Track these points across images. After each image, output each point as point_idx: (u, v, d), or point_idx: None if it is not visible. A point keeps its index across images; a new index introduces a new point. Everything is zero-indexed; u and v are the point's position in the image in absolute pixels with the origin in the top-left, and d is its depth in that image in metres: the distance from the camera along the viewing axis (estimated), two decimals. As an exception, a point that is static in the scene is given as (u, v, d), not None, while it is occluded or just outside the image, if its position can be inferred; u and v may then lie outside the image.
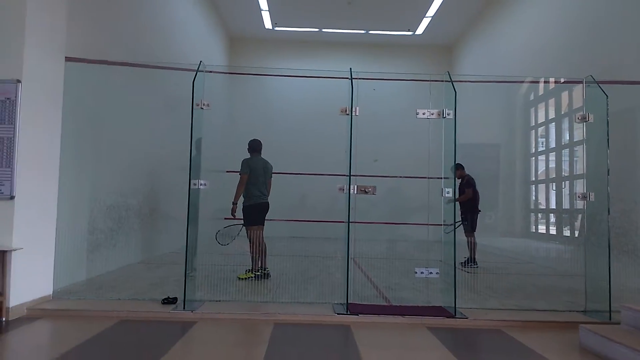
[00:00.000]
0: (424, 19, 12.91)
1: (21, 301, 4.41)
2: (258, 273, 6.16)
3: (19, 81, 4.39)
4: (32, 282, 4.61)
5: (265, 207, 6.40)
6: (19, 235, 4.36)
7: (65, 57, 5.09)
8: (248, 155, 6.44)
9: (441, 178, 5.38)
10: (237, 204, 6.22)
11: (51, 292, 4.88)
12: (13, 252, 4.27)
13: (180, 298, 4.64)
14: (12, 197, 4.32)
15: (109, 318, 4.33)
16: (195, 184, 4.72)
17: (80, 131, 5.57)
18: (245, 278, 6.11)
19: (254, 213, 6.25)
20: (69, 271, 5.30)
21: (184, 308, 4.52)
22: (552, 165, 9.50)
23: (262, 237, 6.32)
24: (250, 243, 6.24)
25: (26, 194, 4.46)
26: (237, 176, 6.27)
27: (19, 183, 4.37)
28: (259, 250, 6.19)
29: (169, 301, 4.73)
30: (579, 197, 5.08)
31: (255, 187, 6.26)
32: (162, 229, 8.14)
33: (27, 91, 4.47)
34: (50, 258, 4.89)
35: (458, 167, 7.79)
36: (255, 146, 6.49)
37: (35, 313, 4.43)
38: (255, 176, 6.27)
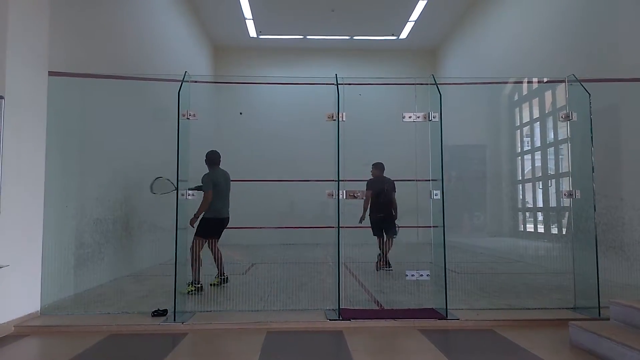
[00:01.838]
0: (408, 23, 13.02)
1: (8, 319, 4.35)
2: (198, 285, 5.88)
3: (1, 97, 4.34)
4: (19, 299, 4.55)
5: (226, 222, 6.30)
6: (5, 252, 4.30)
7: (49, 72, 5.05)
8: (215, 167, 6.24)
9: (429, 180, 5.41)
10: (198, 217, 6.04)
11: (39, 309, 4.82)
12: (-1, 270, 4.21)
13: (170, 310, 4.60)
14: (-4, 214, 4.27)
15: (99, 333, 4.29)
16: (183, 195, 4.70)
17: (65, 146, 5.53)
18: (190, 292, 5.71)
19: (212, 226, 6.11)
20: (57, 287, 5.24)
21: (174, 320, 4.48)
22: (537, 164, 9.60)
23: (217, 248, 6.24)
24: (192, 253, 5.88)
25: (11, 211, 4.40)
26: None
27: (3, 199, 4.31)
28: (198, 262, 5.95)
29: (159, 313, 4.69)
30: (565, 195, 5.14)
31: (219, 201, 6.14)
32: (151, 240, 8.08)
33: (10, 107, 4.42)
34: (37, 274, 4.83)
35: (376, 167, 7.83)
36: (215, 159, 6.27)
37: (23, 330, 4.37)
38: (219, 190, 6.13)
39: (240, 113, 10.97)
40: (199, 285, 5.90)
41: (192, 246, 5.92)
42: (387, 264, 7.57)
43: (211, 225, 6.09)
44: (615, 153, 6.72)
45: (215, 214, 6.12)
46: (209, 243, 6.21)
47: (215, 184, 6.10)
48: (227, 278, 6.30)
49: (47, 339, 4.25)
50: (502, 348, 3.91)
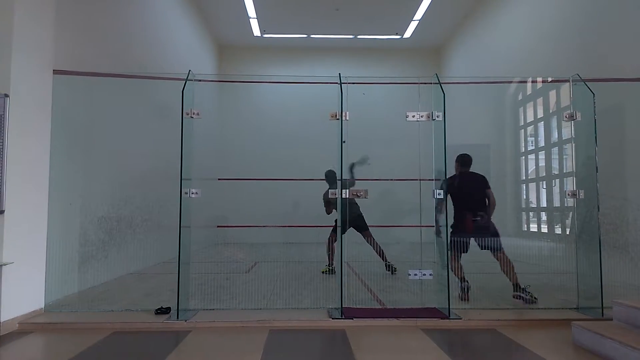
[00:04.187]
0: (412, 22, 13.01)
1: (12, 315, 4.38)
2: (331, 267, 7.21)
3: (6, 95, 4.38)
4: (23, 296, 4.58)
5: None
6: (10, 249, 4.34)
7: (53, 70, 5.08)
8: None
9: (432, 180, 5.41)
10: None
11: (43, 306, 4.85)
12: (3, 267, 4.24)
13: (173, 308, 4.63)
14: (1, 212, 4.29)
15: (102, 330, 4.31)
16: (186, 193, 4.71)
17: (70, 143, 5.55)
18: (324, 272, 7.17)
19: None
20: (61, 284, 5.26)
21: (177, 318, 4.50)
22: (541, 164, 9.58)
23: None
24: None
25: (16, 208, 4.43)
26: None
27: (8, 197, 4.35)
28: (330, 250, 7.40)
29: (163, 311, 4.71)
30: (568, 194, 5.12)
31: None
32: (155, 239, 8.11)
33: (15, 105, 4.45)
34: (42, 271, 4.87)
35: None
36: (330, 176, 7.37)
37: (27, 327, 4.40)
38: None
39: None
40: (332, 268, 7.16)
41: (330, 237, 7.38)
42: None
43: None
44: (620, 153, 6.70)
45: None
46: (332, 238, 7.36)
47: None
48: (334, 269, 7.11)
49: (51, 336, 4.27)
50: (504, 348, 3.91)
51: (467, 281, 5.50)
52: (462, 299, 5.37)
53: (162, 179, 7.61)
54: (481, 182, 5.60)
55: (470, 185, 5.64)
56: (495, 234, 5.50)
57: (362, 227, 7.29)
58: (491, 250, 5.50)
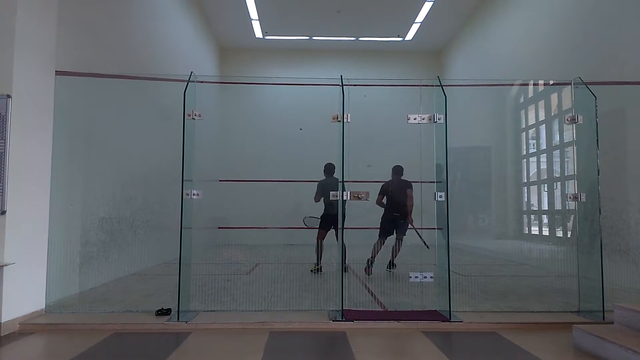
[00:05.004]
0: (414, 24, 13.02)
1: (13, 316, 4.38)
2: (319, 267, 7.41)
3: (9, 96, 4.38)
4: (24, 296, 4.59)
5: (330, 217, 7.49)
6: (11, 250, 4.34)
7: (56, 71, 5.09)
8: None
9: (433, 182, 5.41)
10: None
11: (44, 307, 4.85)
12: (5, 267, 4.24)
13: (174, 309, 4.63)
14: (3, 212, 4.30)
15: (103, 331, 4.31)
16: (188, 194, 4.71)
17: (72, 145, 5.56)
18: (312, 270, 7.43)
19: (322, 221, 7.69)
20: (62, 285, 5.27)
21: (178, 319, 4.50)
22: (543, 166, 9.57)
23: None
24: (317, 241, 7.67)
25: (17, 209, 4.44)
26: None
27: (10, 198, 4.35)
28: (320, 248, 7.56)
29: (163, 312, 4.71)
30: (570, 197, 5.12)
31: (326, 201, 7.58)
32: (156, 240, 8.11)
33: (17, 106, 4.46)
34: (43, 272, 4.87)
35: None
36: (328, 169, 7.66)
37: (28, 328, 4.40)
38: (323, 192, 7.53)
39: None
40: (319, 267, 7.38)
41: (317, 236, 7.61)
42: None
43: (322, 220, 7.66)
44: (621, 156, 6.70)
45: (324, 212, 7.63)
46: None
47: (320, 187, 7.51)
48: (321, 268, 7.43)
49: (51, 336, 4.27)
50: (505, 351, 3.91)
51: (373, 260, 7.23)
52: (366, 272, 7.14)
53: (164, 180, 7.63)
54: (406, 187, 7.33)
55: (398, 188, 7.41)
56: (405, 225, 7.28)
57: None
58: (397, 235, 7.33)
